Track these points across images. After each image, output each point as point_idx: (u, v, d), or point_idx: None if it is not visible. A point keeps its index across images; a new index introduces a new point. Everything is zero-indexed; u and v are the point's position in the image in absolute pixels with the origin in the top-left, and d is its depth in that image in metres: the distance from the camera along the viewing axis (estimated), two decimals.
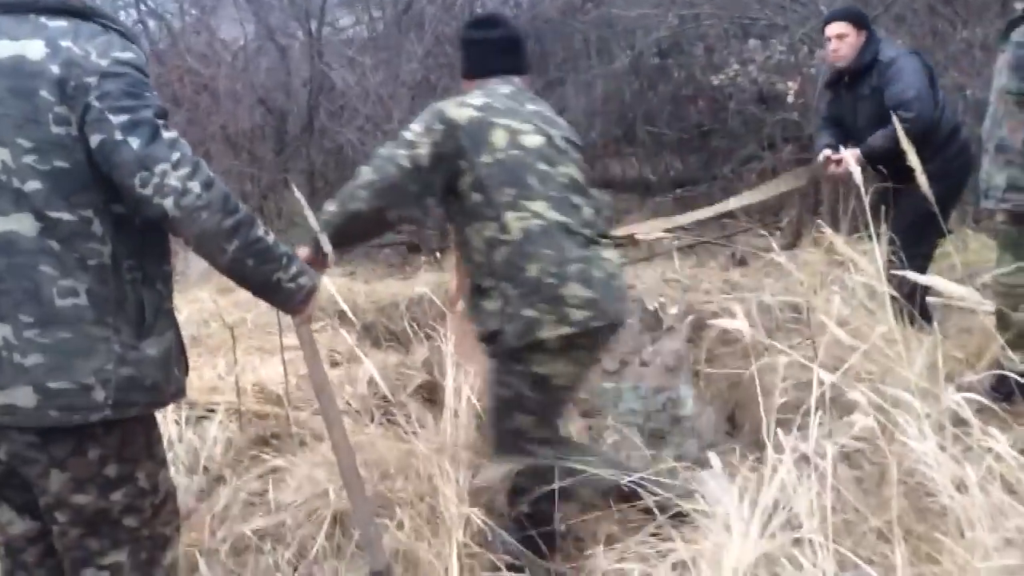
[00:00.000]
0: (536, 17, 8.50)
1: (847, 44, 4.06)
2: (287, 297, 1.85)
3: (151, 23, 8.68)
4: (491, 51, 2.61)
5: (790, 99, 6.32)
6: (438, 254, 6.02)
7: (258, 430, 3.25)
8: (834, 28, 4.09)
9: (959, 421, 1.84)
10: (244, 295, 5.15)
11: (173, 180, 1.60)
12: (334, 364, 3.91)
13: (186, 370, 1.87)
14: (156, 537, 1.81)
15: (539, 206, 2.37)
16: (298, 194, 2.46)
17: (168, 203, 1.61)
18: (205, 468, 2.92)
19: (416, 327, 4.32)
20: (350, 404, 3.37)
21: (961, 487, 1.72)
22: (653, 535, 2.03)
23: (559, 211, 2.39)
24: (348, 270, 5.84)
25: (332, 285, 4.73)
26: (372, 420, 3.19)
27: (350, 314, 4.11)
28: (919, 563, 1.72)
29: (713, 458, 2.07)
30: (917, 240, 3.63)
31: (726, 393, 3.92)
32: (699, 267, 5.77)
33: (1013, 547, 1.59)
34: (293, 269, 1.81)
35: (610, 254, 2.49)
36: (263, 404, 3.42)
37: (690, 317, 4.59)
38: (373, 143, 6.57)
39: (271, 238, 1.77)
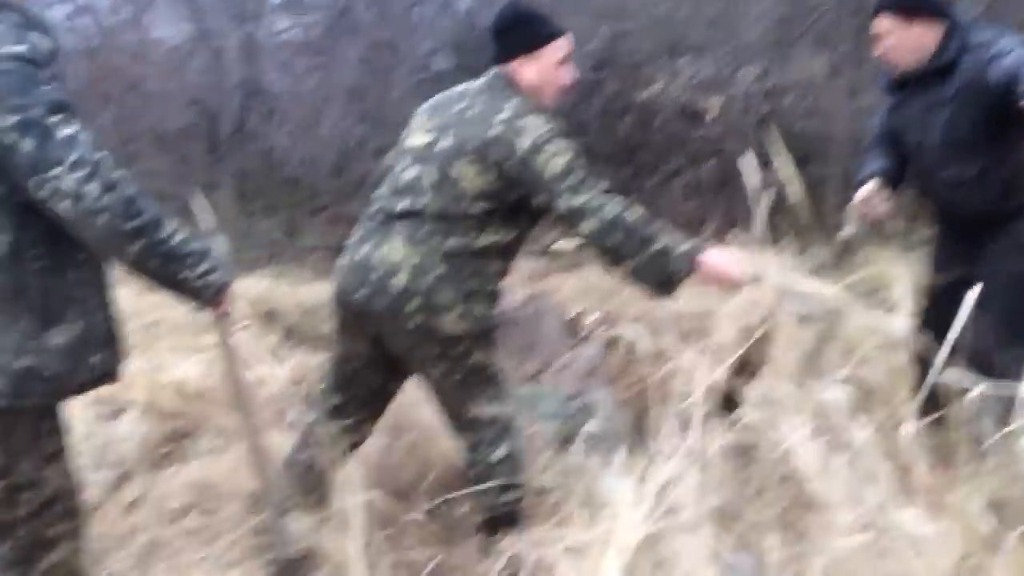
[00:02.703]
0: (475, 26, 8.60)
1: (896, 41, 2.88)
2: (195, 294, 1.82)
3: (83, 20, 8.55)
4: None
5: (709, 118, 6.52)
6: None
7: (174, 427, 3.27)
8: (876, 24, 2.93)
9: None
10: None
11: (68, 184, 1.56)
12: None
13: (122, 354, 1.81)
14: (36, 537, 1.73)
15: None
16: None
17: (63, 207, 1.57)
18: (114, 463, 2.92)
19: None
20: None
21: (829, 475, 1.85)
22: (552, 522, 2.13)
23: None
24: (276, 271, 5.84)
25: (257, 287, 4.77)
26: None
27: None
28: (790, 545, 1.85)
29: (619, 454, 2.19)
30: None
31: (637, 399, 4.04)
32: None
33: (870, 528, 1.73)
34: (201, 267, 1.77)
35: None
36: (179, 402, 3.44)
37: (606, 326, 4.73)
38: (302, 147, 6.60)
39: (178, 238, 1.72)
